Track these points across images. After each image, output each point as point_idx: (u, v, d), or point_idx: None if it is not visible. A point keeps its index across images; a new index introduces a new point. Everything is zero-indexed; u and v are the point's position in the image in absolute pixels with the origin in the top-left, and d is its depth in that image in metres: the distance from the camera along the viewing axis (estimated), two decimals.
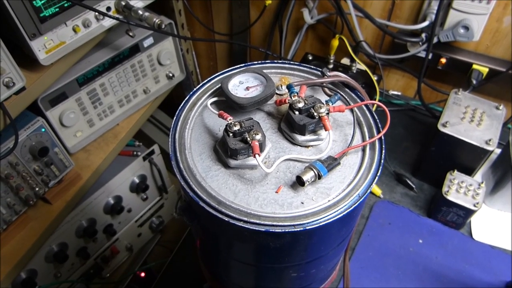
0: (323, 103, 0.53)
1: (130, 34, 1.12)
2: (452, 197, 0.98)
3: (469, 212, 0.98)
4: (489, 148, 0.95)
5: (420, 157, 1.16)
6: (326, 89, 0.61)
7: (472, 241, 1.02)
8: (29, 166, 1.02)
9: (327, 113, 0.53)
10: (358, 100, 0.60)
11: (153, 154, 1.47)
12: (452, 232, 1.04)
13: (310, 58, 1.29)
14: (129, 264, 1.63)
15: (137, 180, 1.45)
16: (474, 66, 1.15)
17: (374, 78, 1.17)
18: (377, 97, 1.15)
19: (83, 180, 1.18)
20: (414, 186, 1.12)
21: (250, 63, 0.63)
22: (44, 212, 1.12)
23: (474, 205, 0.96)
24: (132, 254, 1.61)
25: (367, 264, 0.99)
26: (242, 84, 0.59)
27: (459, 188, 0.99)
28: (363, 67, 1.19)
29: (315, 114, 0.53)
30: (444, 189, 0.99)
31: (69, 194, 1.16)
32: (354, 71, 1.21)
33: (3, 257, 1.04)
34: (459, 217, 1.00)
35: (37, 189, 1.05)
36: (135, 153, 1.43)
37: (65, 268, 1.33)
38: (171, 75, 1.36)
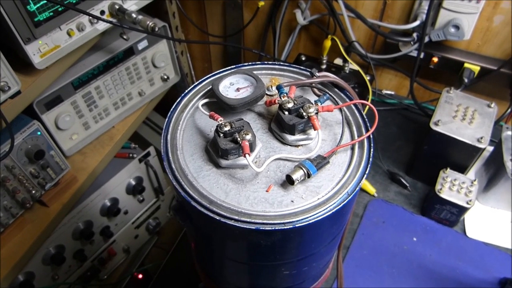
0: (312, 103, 0.54)
1: (124, 37, 1.13)
2: (445, 195, 0.99)
3: (462, 210, 0.99)
4: (481, 145, 0.96)
5: (414, 156, 1.16)
6: (315, 89, 0.62)
7: (466, 238, 1.03)
8: (25, 169, 1.03)
9: (316, 113, 0.54)
10: (347, 100, 0.61)
11: (149, 156, 1.47)
12: (446, 230, 1.05)
13: (303, 59, 1.30)
14: (127, 266, 1.64)
15: (133, 182, 1.45)
16: (466, 65, 1.17)
17: (367, 78, 1.18)
18: (370, 97, 1.16)
19: (79, 183, 1.19)
20: (407, 185, 1.13)
21: (241, 64, 0.64)
22: (40, 215, 1.13)
23: (467, 203, 0.97)
24: (129, 256, 1.62)
25: (361, 262, 1.00)
26: (233, 86, 0.60)
27: (452, 186, 1.00)
28: (355, 67, 1.20)
29: (304, 114, 0.53)
30: (437, 187, 1.00)
31: (65, 197, 1.16)
32: (347, 71, 1.22)
33: (0, 260, 1.04)
34: (453, 214, 1.01)
35: (33, 192, 1.06)
36: (131, 155, 1.44)
37: (62, 270, 1.33)
38: (166, 77, 1.37)
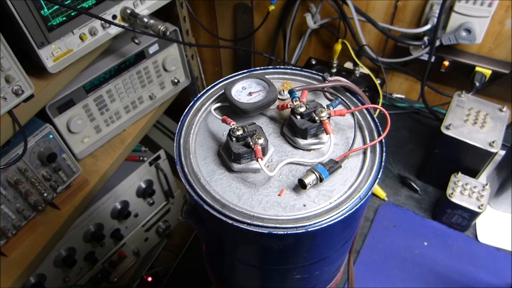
0: (324, 108, 0.55)
1: (136, 41, 1.14)
2: (456, 199, 0.98)
3: (473, 214, 0.98)
4: (493, 150, 0.95)
5: (425, 160, 1.16)
6: (327, 94, 0.62)
7: (477, 243, 1.03)
8: (38, 172, 1.04)
9: (328, 117, 0.54)
10: (359, 104, 0.61)
11: (159, 159, 1.48)
12: (457, 234, 1.04)
13: (314, 62, 1.30)
14: (136, 269, 1.64)
15: (143, 185, 1.46)
16: (477, 69, 1.16)
17: (377, 82, 1.18)
18: (381, 101, 1.15)
19: (90, 186, 1.20)
20: (418, 189, 1.12)
21: (253, 69, 0.65)
22: (52, 217, 1.14)
23: (479, 207, 0.96)
24: (139, 259, 1.62)
25: (372, 266, 0.99)
26: (245, 90, 0.60)
27: (464, 190, 0.99)
28: (366, 71, 1.20)
29: (317, 118, 0.54)
30: (449, 191, 0.99)
31: (77, 199, 1.17)
32: (357, 75, 1.22)
33: (13, 262, 1.05)
34: (464, 219, 1.01)
35: (45, 194, 1.07)
36: (141, 158, 1.45)
37: (73, 273, 1.34)
38: (176, 81, 1.38)
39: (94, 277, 1.44)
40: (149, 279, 1.60)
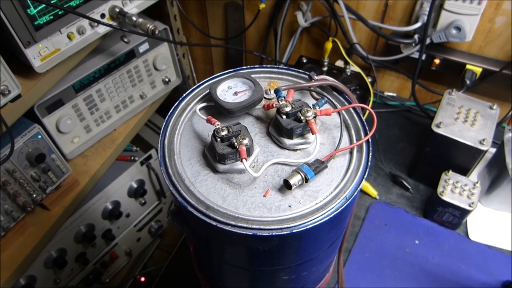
0: (310, 107, 0.54)
1: (125, 40, 1.13)
2: (447, 197, 0.98)
3: (464, 212, 0.98)
4: (483, 147, 0.95)
5: (416, 158, 1.16)
6: (314, 93, 0.61)
7: (469, 241, 1.03)
8: (26, 172, 1.03)
9: (314, 117, 0.53)
10: (346, 103, 0.61)
11: (151, 159, 1.47)
12: (448, 232, 1.04)
13: (305, 61, 1.29)
14: (129, 269, 1.63)
15: (135, 185, 1.45)
16: (468, 66, 1.16)
17: (368, 80, 1.17)
18: (371, 99, 1.15)
19: (81, 186, 1.19)
20: (410, 187, 1.12)
21: (239, 68, 0.64)
22: (42, 218, 1.13)
23: (469, 205, 0.96)
24: (131, 259, 1.62)
25: (363, 265, 0.99)
26: (231, 89, 0.60)
27: (454, 188, 0.99)
28: (357, 69, 1.20)
29: (302, 118, 0.53)
30: (439, 189, 0.99)
31: (67, 200, 1.16)
32: (348, 74, 1.22)
33: (2, 264, 1.04)
34: (455, 217, 1.01)
35: (34, 195, 1.05)
36: (132, 158, 1.44)
37: (64, 274, 1.33)
38: (167, 80, 1.37)
39: (85, 278, 1.43)
40: (142, 279, 1.59)
